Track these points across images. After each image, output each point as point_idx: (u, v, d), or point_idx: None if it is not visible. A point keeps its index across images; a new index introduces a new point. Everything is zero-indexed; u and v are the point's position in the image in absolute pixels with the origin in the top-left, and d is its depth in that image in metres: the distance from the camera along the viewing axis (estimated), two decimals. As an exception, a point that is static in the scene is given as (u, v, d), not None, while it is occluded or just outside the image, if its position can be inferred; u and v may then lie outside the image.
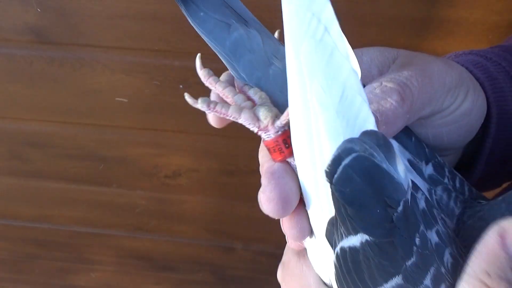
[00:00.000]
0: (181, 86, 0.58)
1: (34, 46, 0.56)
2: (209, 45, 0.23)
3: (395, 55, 0.20)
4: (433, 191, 0.20)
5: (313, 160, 0.17)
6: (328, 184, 0.16)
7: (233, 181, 0.69)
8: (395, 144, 0.19)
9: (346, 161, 0.15)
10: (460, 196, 0.21)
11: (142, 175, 0.71)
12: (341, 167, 0.15)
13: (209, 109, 0.21)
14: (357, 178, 0.15)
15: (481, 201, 0.21)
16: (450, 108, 0.20)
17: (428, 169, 0.20)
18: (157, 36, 0.53)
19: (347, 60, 0.16)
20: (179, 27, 0.52)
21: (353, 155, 0.15)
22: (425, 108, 0.19)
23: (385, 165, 0.16)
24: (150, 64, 0.56)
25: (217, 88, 0.22)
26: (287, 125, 0.19)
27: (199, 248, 0.80)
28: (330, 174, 0.16)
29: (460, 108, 0.20)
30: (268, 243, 0.77)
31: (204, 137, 0.64)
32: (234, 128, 0.64)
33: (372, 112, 0.16)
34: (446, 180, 0.21)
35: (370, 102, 0.17)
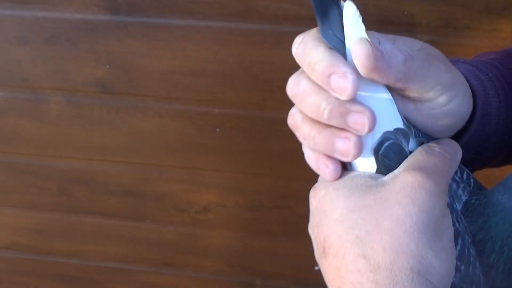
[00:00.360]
0: (217, 129, 0.69)
1: (98, 95, 0.68)
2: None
3: (420, 46, 0.26)
4: None
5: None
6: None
7: (256, 215, 0.77)
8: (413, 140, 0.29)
9: (386, 144, 0.26)
10: (467, 187, 0.29)
11: (175, 210, 0.79)
12: (383, 147, 0.26)
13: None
14: (391, 153, 0.25)
15: (483, 190, 0.29)
16: (437, 102, 0.26)
17: None
18: (202, 88, 0.66)
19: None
20: (221, 81, 0.65)
21: (390, 141, 0.26)
22: (415, 82, 0.25)
23: (406, 148, 0.26)
24: (193, 110, 0.68)
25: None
26: None
27: (221, 283, 0.86)
28: (376, 150, 0.26)
29: (447, 107, 0.26)
30: (287, 280, 0.83)
31: (234, 175, 0.74)
32: (261, 167, 0.74)
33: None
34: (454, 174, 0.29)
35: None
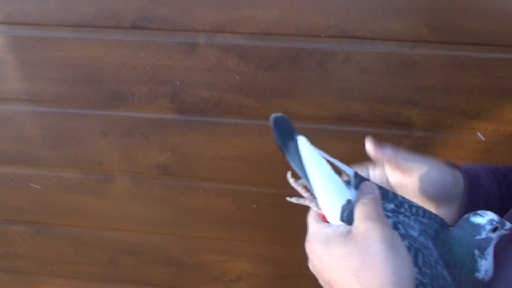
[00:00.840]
0: (254, 205, 0.84)
1: (158, 177, 0.84)
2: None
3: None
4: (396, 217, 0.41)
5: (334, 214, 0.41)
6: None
7: (284, 284, 0.88)
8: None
9: (344, 214, 0.40)
10: (418, 218, 0.42)
11: (210, 279, 0.90)
12: (344, 216, 0.39)
13: (298, 202, 0.45)
14: (348, 217, 0.39)
15: (445, 224, 0.43)
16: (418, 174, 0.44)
17: (389, 206, 0.42)
18: (243, 171, 0.82)
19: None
20: (259, 166, 0.81)
21: (346, 210, 0.39)
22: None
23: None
24: (235, 189, 0.84)
25: (297, 187, 0.46)
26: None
27: None
28: (340, 218, 0.41)
29: (427, 175, 0.45)
30: None
31: (265, 246, 0.87)
32: (289, 238, 0.88)
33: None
34: (402, 210, 0.42)
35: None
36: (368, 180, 0.43)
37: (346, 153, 0.76)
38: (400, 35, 0.66)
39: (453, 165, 0.49)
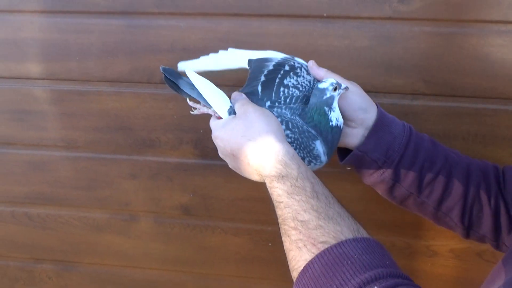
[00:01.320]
0: (270, 243, 0.90)
1: (180, 216, 0.90)
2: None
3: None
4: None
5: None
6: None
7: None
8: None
9: (229, 111, 0.60)
10: (290, 105, 0.62)
11: (227, 316, 0.94)
12: (231, 110, 0.60)
13: (196, 111, 0.65)
14: (232, 112, 0.60)
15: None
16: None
17: (267, 104, 0.62)
18: (260, 211, 0.88)
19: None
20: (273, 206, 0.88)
21: (230, 108, 0.61)
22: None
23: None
24: (251, 228, 0.90)
25: (195, 105, 0.65)
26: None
27: None
28: (229, 112, 0.60)
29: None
30: None
31: (279, 282, 0.91)
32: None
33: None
34: (276, 104, 0.62)
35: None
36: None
37: (356, 193, 0.82)
38: (400, 88, 0.74)
39: (377, 104, 0.64)
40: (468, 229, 0.62)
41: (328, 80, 0.60)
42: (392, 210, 0.82)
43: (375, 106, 0.63)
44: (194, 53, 0.76)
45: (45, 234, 0.95)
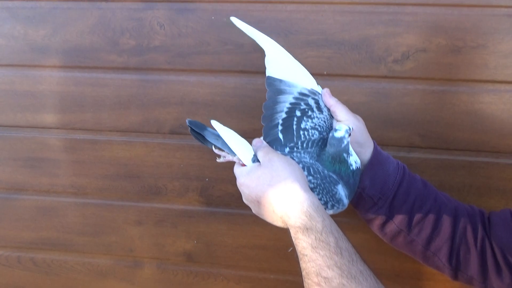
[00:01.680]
0: (272, 291, 0.90)
1: (183, 263, 0.92)
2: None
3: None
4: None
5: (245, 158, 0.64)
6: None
7: None
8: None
9: (254, 160, 0.64)
10: (307, 150, 0.65)
11: None
12: (255, 159, 0.64)
13: (222, 159, 0.69)
14: (256, 161, 0.63)
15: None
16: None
17: (285, 150, 0.66)
18: (262, 259, 0.90)
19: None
20: (276, 252, 0.89)
21: (255, 159, 0.64)
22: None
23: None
24: (254, 276, 0.90)
25: (220, 153, 0.69)
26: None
27: None
28: (253, 160, 0.63)
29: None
30: None
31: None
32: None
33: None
34: (295, 149, 0.65)
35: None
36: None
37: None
38: (397, 141, 0.79)
39: (374, 142, 0.67)
40: (456, 270, 0.64)
41: (342, 127, 0.62)
42: (392, 259, 0.83)
43: (372, 143, 0.67)
44: (202, 107, 0.81)
45: (49, 280, 0.95)
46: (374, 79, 0.77)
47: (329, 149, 0.62)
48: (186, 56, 0.80)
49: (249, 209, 0.90)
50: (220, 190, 0.87)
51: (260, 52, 0.77)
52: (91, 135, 0.87)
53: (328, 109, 0.67)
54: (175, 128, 0.84)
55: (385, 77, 0.76)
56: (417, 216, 0.64)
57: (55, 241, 0.93)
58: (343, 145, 0.61)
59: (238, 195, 0.87)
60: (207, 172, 0.86)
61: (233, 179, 0.86)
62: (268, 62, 0.69)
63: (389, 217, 0.65)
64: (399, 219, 0.64)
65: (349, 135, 0.62)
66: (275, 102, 0.68)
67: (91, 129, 0.86)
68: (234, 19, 0.67)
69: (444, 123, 0.77)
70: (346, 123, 0.64)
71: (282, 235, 0.88)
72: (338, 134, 0.61)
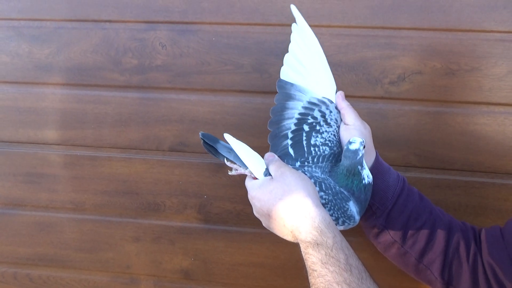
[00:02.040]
0: (268, 310, 0.90)
1: (180, 280, 0.91)
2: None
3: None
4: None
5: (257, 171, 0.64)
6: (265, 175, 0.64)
7: None
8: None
9: (266, 173, 0.63)
10: (319, 164, 0.65)
11: None
12: (267, 172, 0.63)
13: (234, 172, 0.69)
14: (268, 174, 0.63)
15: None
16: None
17: (296, 164, 0.66)
18: (259, 277, 0.89)
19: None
20: (274, 271, 0.89)
21: (266, 172, 0.64)
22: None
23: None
24: (251, 295, 0.90)
25: (232, 166, 0.69)
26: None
27: None
28: (264, 174, 0.63)
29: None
30: None
31: None
32: None
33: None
34: (306, 163, 0.66)
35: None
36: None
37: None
38: (393, 161, 0.80)
39: (376, 152, 0.67)
40: (448, 285, 0.64)
41: (356, 140, 0.61)
42: (390, 277, 0.83)
43: (375, 153, 0.67)
44: (201, 125, 0.83)
45: (45, 297, 0.95)
46: (370, 99, 0.78)
47: (344, 161, 0.62)
48: (187, 76, 0.82)
49: (247, 226, 0.91)
50: (218, 207, 0.87)
51: (259, 73, 0.79)
52: (91, 151, 0.88)
53: (336, 121, 0.67)
54: (174, 145, 0.85)
55: (382, 98, 0.78)
56: (412, 229, 0.64)
57: (52, 257, 0.93)
58: (358, 157, 0.61)
59: (236, 212, 0.88)
60: (206, 189, 0.87)
61: (231, 196, 0.87)
62: (286, 61, 0.68)
63: (384, 228, 0.65)
64: (394, 231, 0.65)
65: (364, 147, 0.61)
66: (284, 108, 0.68)
67: (91, 146, 0.87)
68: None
69: (439, 143, 0.78)
70: (355, 129, 0.65)
71: (279, 253, 0.88)
72: (353, 147, 0.61)
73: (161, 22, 0.81)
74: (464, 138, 0.78)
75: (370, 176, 0.63)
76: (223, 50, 0.80)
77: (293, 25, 0.67)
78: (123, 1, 0.81)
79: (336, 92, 0.68)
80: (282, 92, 0.68)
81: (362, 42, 0.77)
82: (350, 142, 0.61)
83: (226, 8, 0.79)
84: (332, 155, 0.65)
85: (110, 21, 0.82)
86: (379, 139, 0.79)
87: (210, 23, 0.80)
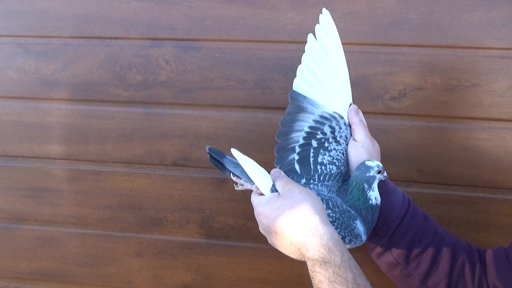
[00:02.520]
0: (271, 327, 0.89)
1: (182, 296, 0.91)
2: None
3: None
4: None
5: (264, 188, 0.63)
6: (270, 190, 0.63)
7: None
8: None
9: (272, 189, 0.63)
10: (326, 186, 0.64)
11: None
12: (273, 188, 0.63)
13: (240, 187, 0.67)
14: (275, 191, 0.63)
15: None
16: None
17: (302, 181, 0.65)
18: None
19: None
20: (274, 287, 0.88)
21: (272, 187, 0.63)
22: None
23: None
24: (253, 311, 0.89)
25: (239, 181, 0.67)
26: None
27: None
28: (271, 190, 0.63)
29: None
30: None
31: None
32: None
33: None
34: (311, 181, 0.65)
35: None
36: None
37: None
38: (395, 176, 0.80)
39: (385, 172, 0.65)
40: None
41: (375, 161, 0.61)
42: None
43: None
44: (204, 139, 0.83)
45: (46, 312, 0.94)
46: (372, 115, 0.79)
47: (355, 172, 0.62)
48: (190, 91, 0.83)
49: (250, 241, 0.91)
50: (221, 222, 0.87)
51: (261, 89, 0.80)
52: (95, 166, 0.88)
53: (346, 138, 0.66)
54: (177, 160, 0.86)
55: (383, 113, 0.79)
56: (416, 250, 0.64)
57: (54, 272, 0.93)
58: (367, 174, 0.60)
59: (238, 227, 0.88)
60: (208, 204, 0.87)
61: (234, 211, 0.88)
62: (299, 72, 0.67)
63: (387, 248, 0.65)
64: (397, 252, 0.64)
65: (379, 172, 0.61)
66: (294, 120, 0.67)
67: (95, 160, 0.88)
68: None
69: (441, 159, 0.79)
70: (363, 147, 0.64)
71: (281, 269, 0.88)
72: (369, 163, 0.61)
73: (166, 39, 0.82)
74: (465, 153, 0.78)
75: (379, 198, 0.62)
76: (226, 66, 0.81)
77: (309, 35, 0.66)
78: (128, 18, 0.82)
79: (350, 105, 0.67)
80: (294, 104, 0.67)
81: (363, 59, 0.78)
82: (368, 160, 0.62)
83: (229, 25, 0.80)
84: (339, 174, 0.64)
85: (115, 38, 0.83)
86: (381, 155, 0.80)
87: (213, 40, 0.81)
